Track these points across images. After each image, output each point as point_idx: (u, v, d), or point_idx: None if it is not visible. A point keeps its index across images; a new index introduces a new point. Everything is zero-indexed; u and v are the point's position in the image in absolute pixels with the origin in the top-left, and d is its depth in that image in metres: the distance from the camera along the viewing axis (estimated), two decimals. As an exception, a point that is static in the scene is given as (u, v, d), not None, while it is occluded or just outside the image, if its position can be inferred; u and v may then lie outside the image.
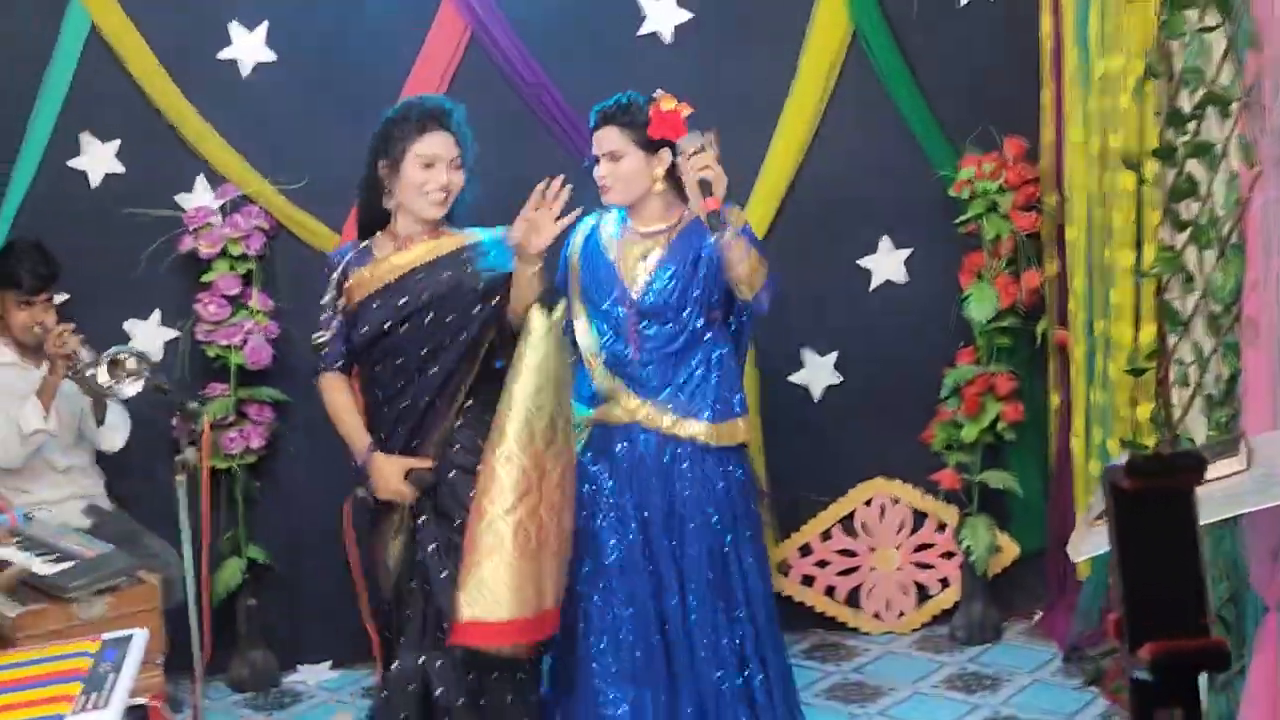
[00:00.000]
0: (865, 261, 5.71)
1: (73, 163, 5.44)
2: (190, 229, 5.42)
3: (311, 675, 5.70)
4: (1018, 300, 5.46)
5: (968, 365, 5.57)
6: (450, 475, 4.19)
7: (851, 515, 5.78)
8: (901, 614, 5.84)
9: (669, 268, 4.39)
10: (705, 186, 4.15)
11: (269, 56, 5.49)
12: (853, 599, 5.83)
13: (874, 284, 5.72)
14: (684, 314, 4.39)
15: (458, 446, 4.20)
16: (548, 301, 4.10)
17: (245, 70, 5.49)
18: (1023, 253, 5.47)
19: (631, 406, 4.42)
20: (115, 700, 3.24)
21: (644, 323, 4.41)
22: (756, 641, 4.41)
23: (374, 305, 4.24)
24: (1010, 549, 5.75)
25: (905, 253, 5.71)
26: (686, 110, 4.31)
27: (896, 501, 5.79)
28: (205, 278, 5.44)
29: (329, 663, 5.75)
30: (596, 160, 4.43)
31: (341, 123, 5.43)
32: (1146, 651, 1.91)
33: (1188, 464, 1.95)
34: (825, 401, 5.71)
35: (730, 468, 4.43)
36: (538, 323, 4.05)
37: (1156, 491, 1.92)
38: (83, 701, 3.23)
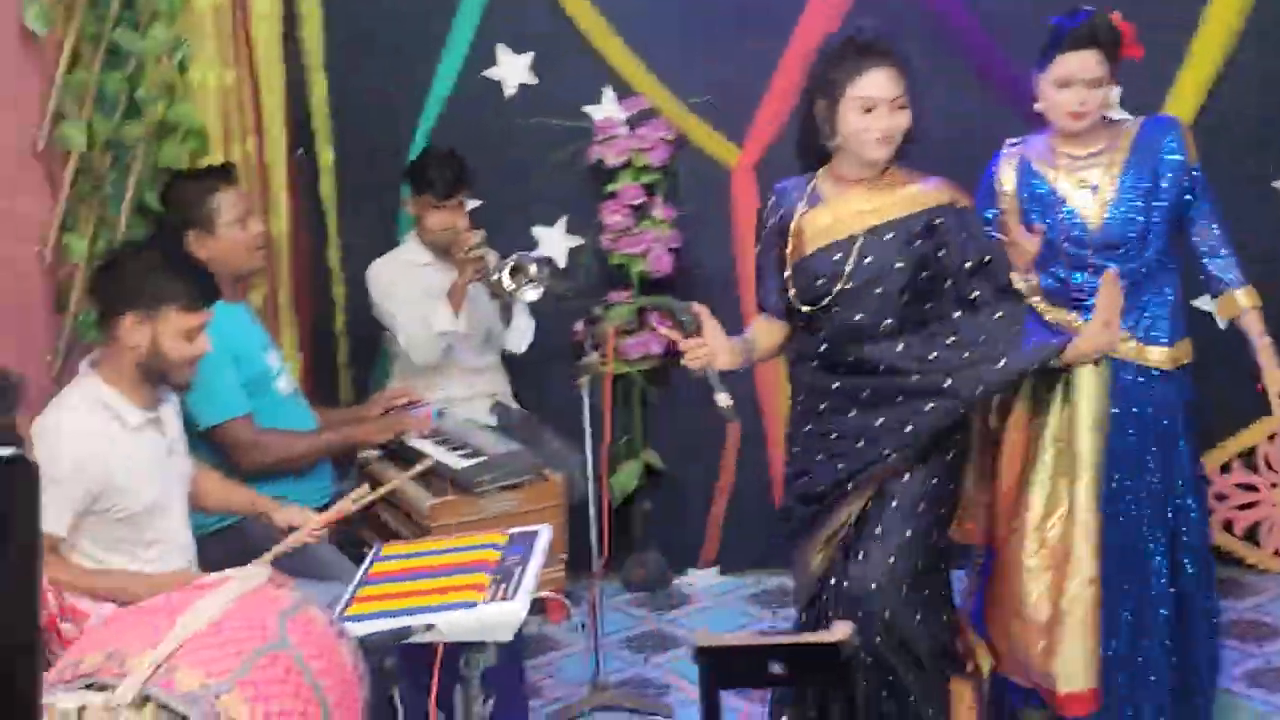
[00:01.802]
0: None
1: (488, 73, 5.63)
2: (597, 140, 5.55)
3: (701, 579, 5.83)
4: None
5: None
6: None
7: (1254, 449, 5.60)
8: (1304, 552, 5.64)
9: (1124, 196, 4.11)
10: None
11: (679, -31, 5.56)
12: (1251, 535, 5.65)
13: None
14: (1144, 242, 4.13)
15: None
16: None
17: (656, -17, 5.58)
18: None
19: None
20: (522, 592, 3.37)
21: (1102, 253, 4.10)
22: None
23: (816, 264, 3.84)
24: None
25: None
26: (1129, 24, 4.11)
27: (1303, 436, 5.57)
28: (610, 187, 5.58)
29: (718, 568, 5.87)
30: (1059, 84, 4.07)
31: (745, 36, 5.49)
32: None
33: None
34: (1231, 329, 5.51)
35: (1184, 389, 4.23)
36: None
37: None
38: (492, 591, 3.37)
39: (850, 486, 3.82)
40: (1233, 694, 4.62)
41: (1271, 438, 5.55)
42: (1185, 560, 4.21)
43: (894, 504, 3.80)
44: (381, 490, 4.24)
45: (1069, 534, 3.82)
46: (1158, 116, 4.23)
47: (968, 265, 3.77)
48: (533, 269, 4.86)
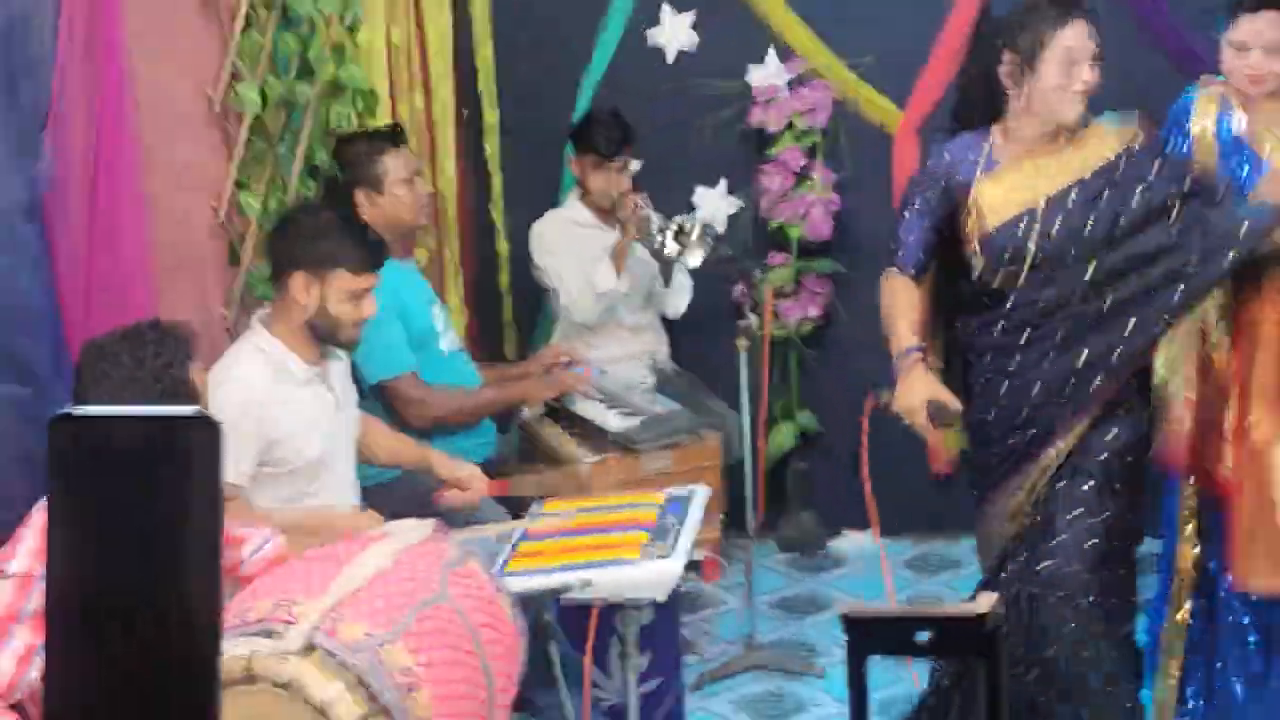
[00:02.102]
0: None
1: (651, 35, 5.67)
2: (759, 101, 5.56)
3: (854, 541, 5.84)
4: None
5: None
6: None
7: None
8: None
9: None
10: None
11: (843, -69, 5.55)
12: None
13: None
14: None
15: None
16: None
17: (817, -56, 5.57)
18: None
19: None
20: (679, 551, 3.42)
21: None
22: None
23: (1010, 234, 3.68)
24: None
25: None
26: None
27: None
28: (770, 150, 5.58)
29: (870, 530, 5.86)
30: (1237, 47, 3.90)
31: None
32: None
33: None
34: None
35: None
36: None
37: None
38: (650, 550, 3.42)
39: (1034, 433, 3.72)
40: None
41: None
42: None
43: (1090, 483, 3.69)
44: (549, 486, 4.27)
45: None
46: None
47: (1154, 209, 3.63)
48: (695, 231, 4.90)
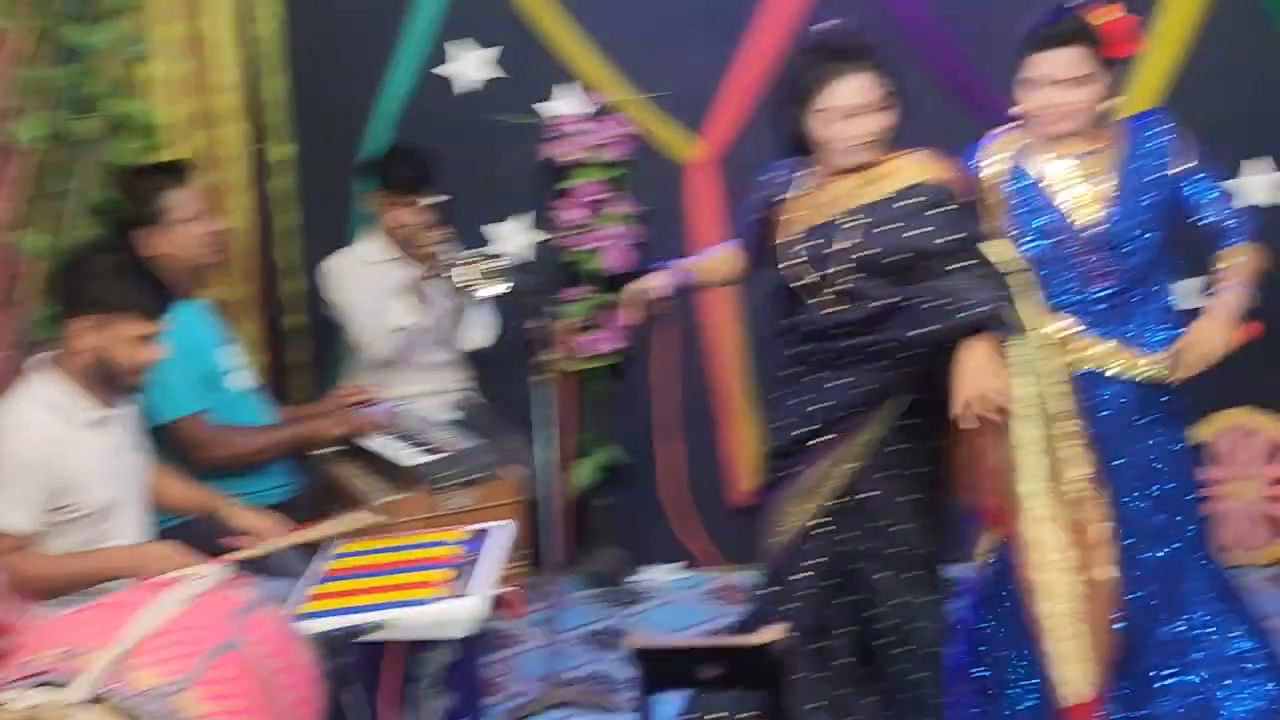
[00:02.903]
0: (1230, 185, 5.50)
1: (445, 69, 5.61)
2: (555, 135, 5.54)
3: (660, 575, 5.82)
4: (1402, 226, 5.20)
5: (1344, 292, 5.35)
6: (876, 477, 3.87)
7: (1207, 444, 5.62)
8: (1254, 547, 5.67)
9: (1121, 194, 3.97)
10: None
11: (638, -37, 5.56)
12: (1205, 529, 5.68)
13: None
14: (1144, 239, 3.98)
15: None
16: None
17: (614, -23, 5.58)
18: None
19: (1079, 345, 4.01)
20: (480, 588, 3.40)
21: (1095, 256, 3.99)
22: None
23: (799, 248, 3.87)
24: (1379, 486, 5.54)
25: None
26: (1131, 18, 3.96)
27: (1258, 432, 5.61)
28: (567, 183, 5.56)
29: (679, 563, 5.87)
30: (1034, 84, 3.95)
31: (705, 31, 5.50)
32: None
33: None
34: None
35: (1184, 400, 4.11)
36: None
37: None
38: (450, 588, 3.39)
39: (819, 442, 3.85)
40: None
41: (1224, 431, 5.57)
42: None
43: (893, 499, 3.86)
44: (350, 525, 4.20)
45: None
46: (1147, 111, 4.14)
47: (938, 243, 3.71)
48: (492, 264, 4.85)
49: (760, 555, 4.08)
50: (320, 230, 5.53)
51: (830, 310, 3.82)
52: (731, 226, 4.11)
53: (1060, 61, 3.89)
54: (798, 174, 3.93)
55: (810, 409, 3.87)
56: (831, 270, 3.79)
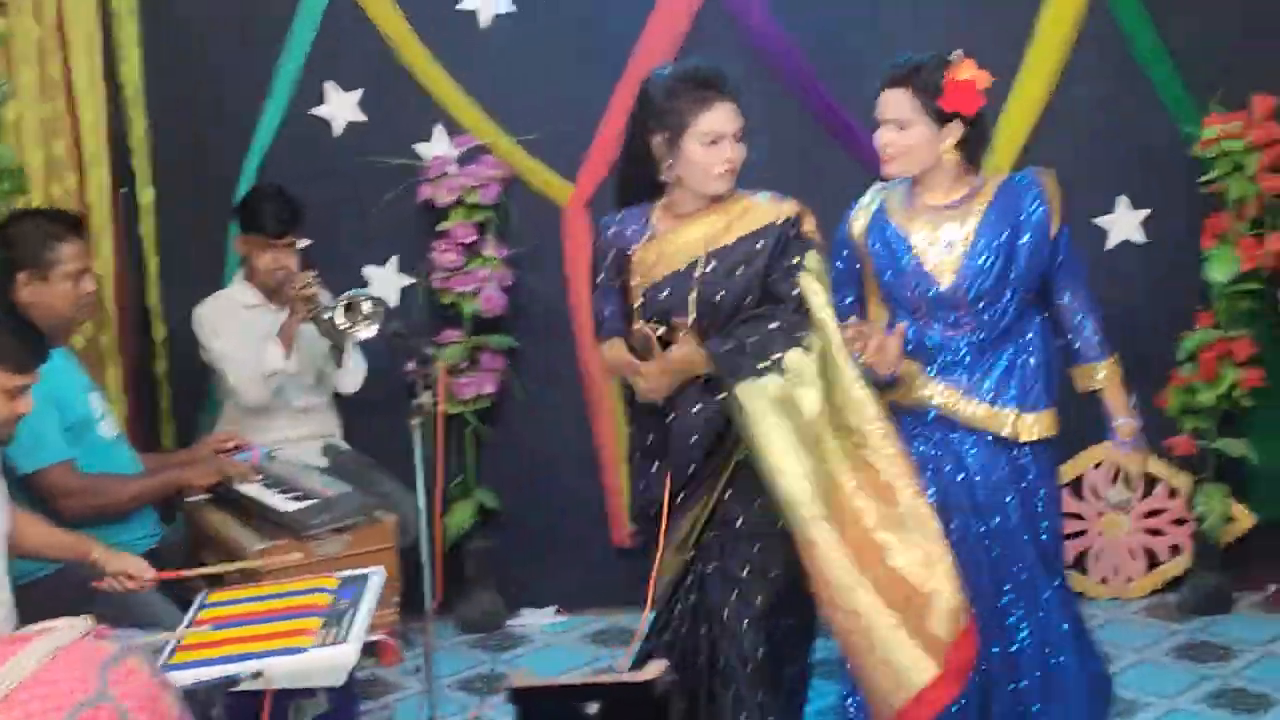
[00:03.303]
0: (1102, 220, 5.60)
1: (316, 111, 5.57)
2: (428, 178, 5.52)
3: (536, 619, 5.79)
4: (1260, 264, 5.29)
5: (1206, 329, 5.44)
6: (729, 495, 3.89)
7: (1080, 478, 5.70)
8: (1129, 580, 5.74)
9: (981, 250, 3.98)
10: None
11: (507, 7, 5.55)
12: (1079, 563, 5.75)
13: (1110, 244, 5.61)
14: (997, 301, 4.00)
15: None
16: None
17: (484, 21, 5.55)
18: (1269, 215, 5.30)
19: (936, 394, 4.07)
20: (353, 636, 3.35)
21: (949, 310, 4.03)
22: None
23: (662, 294, 3.88)
24: (1245, 518, 5.61)
25: (1144, 213, 5.58)
26: (985, 81, 3.97)
27: (1128, 466, 5.69)
28: (441, 226, 5.54)
29: (554, 607, 5.84)
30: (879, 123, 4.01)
31: (577, 74, 5.53)
32: None
33: None
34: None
35: (1033, 460, 4.08)
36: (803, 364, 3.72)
37: None
38: (323, 636, 3.34)
39: (683, 496, 3.86)
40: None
41: (1097, 466, 5.65)
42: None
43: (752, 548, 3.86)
44: (221, 569, 4.15)
45: None
46: (1024, 172, 4.15)
47: (786, 266, 3.80)
48: (366, 306, 4.80)
49: (640, 596, 4.06)
50: (188, 275, 5.47)
51: None
52: (597, 319, 4.03)
53: (888, 102, 3.98)
54: (646, 220, 3.95)
55: (677, 457, 3.88)
56: (692, 316, 3.82)
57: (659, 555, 3.91)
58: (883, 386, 3.93)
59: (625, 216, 3.99)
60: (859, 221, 4.19)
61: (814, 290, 3.77)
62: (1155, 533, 5.73)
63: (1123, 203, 5.59)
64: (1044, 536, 4.11)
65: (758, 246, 3.82)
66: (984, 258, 3.99)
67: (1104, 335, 4.13)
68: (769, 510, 3.75)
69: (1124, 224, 5.61)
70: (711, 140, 3.77)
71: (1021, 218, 4.00)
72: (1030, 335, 4.08)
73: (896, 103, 3.95)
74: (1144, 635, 5.39)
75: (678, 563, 3.92)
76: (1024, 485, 4.07)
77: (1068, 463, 5.64)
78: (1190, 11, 5.44)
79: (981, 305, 4.01)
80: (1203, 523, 5.51)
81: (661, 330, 3.85)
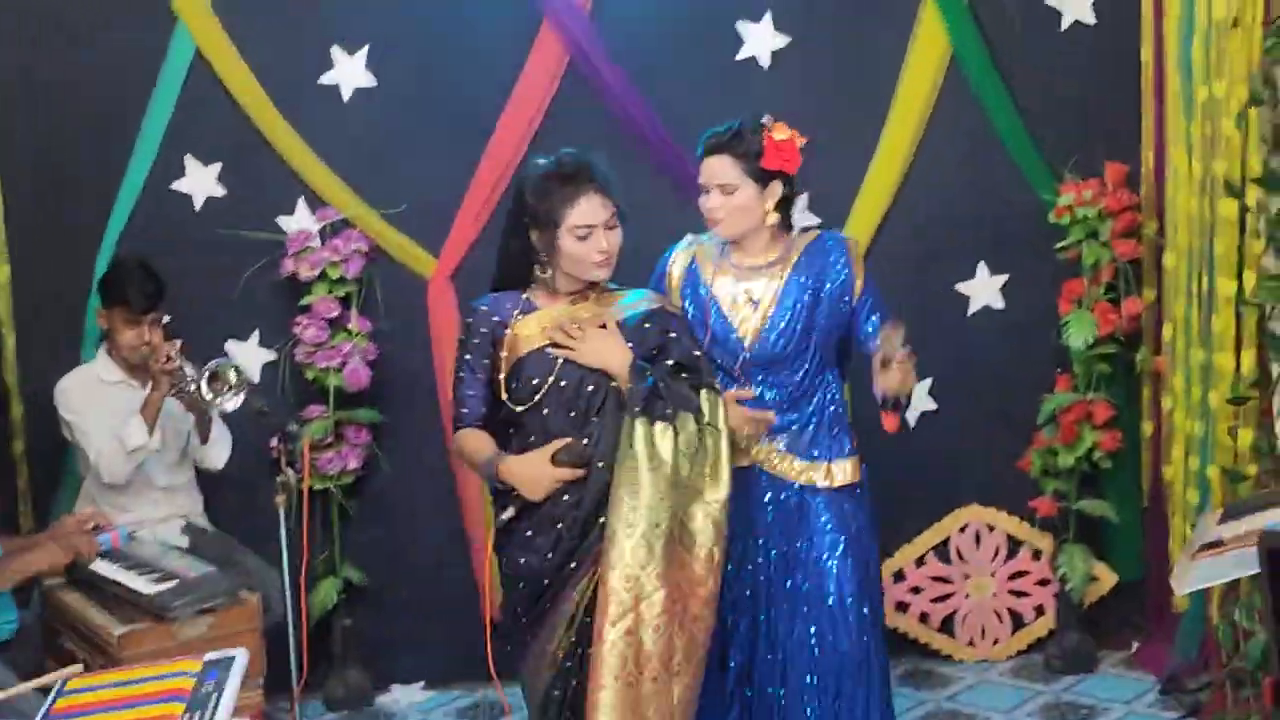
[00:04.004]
0: (963, 286, 5.69)
1: (176, 185, 5.51)
2: (290, 252, 5.48)
3: (405, 695, 5.73)
4: (1117, 328, 5.41)
5: (1065, 392, 5.53)
6: None
7: (946, 541, 5.75)
8: (996, 641, 5.80)
9: (784, 312, 4.16)
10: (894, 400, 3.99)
11: (369, 81, 5.54)
12: (947, 626, 5.80)
13: (972, 309, 5.70)
14: (801, 359, 4.19)
15: None
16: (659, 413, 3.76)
17: (346, 94, 5.54)
18: (1123, 279, 5.42)
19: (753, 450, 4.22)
20: (220, 718, 3.27)
21: (757, 369, 4.20)
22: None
23: (530, 368, 3.90)
24: (1107, 578, 5.70)
25: (1003, 278, 5.68)
26: (801, 140, 4.16)
27: (992, 528, 5.76)
28: (304, 300, 5.49)
29: (422, 683, 5.78)
30: (701, 189, 4.19)
31: (440, 147, 5.52)
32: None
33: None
34: (921, 428, 5.67)
35: (847, 507, 4.24)
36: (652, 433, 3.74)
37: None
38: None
39: (574, 566, 3.81)
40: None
41: (963, 529, 5.71)
42: None
43: None
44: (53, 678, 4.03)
45: None
46: (830, 234, 4.31)
47: (670, 364, 3.84)
48: (231, 376, 4.73)
49: (511, 670, 4.04)
50: (46, 352, 5.37)
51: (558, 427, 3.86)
52: (458, 408, 3.98)
53: (713, 168, 4.15)
54: (522, 297, 3.98)
55: (558, 539, 3.84)
56: (562, 384, 3.84)
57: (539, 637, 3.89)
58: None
59: (500, 295, 4.00)
60: (675, 269, 4.33)
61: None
62: (1020, 594, 5.80)
63: (983, 269, 5.68)
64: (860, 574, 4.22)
65: (637, 330, 3.90)
66: (788, 318, 4.16)
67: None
68: None
69: (984, 290, 5.70)
70: (583, 234, 3.82)
71: (825, 278, 4.18)
72: (832, 387, 4.26)
73: (722, 168, 4.14)
74: (1012, 696, 5.44)
75: (555, 630, 3.86)
76: (839, 529, 4.21)
77: (932, 528, 5.72)
78: (1044, 81, 5.56)
79: (786, 363, 4.18)
80: (1066, 583, 5.58)
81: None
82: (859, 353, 4.29)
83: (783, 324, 4.16)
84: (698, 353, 3.92)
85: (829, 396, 4.25)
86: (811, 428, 4.22)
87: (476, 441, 3.93)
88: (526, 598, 3.90)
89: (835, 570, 4.19)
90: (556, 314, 3.91)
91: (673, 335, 3.92)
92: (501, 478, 3.79)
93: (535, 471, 3.76)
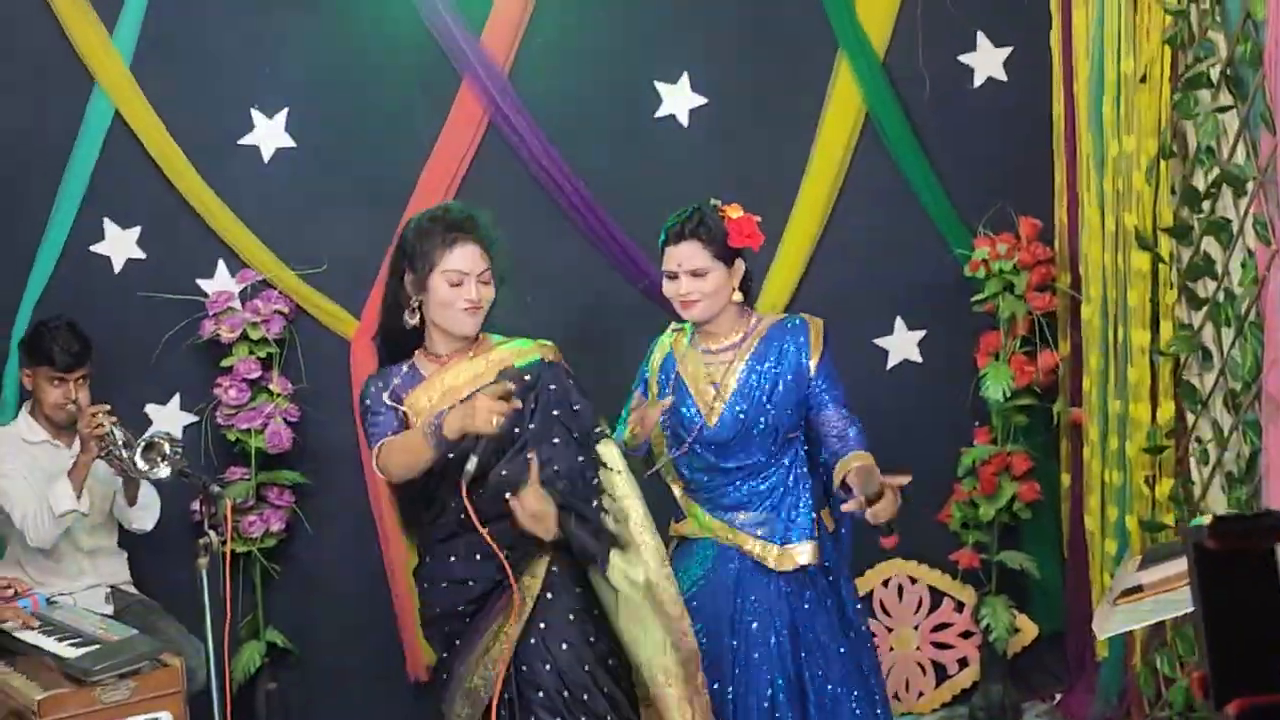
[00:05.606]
0: (881, 341, 5.75)
1: (96, 247, 5.49)
2: (211, 313, 5.45)
3: (329, 759, 5.69)
4: (1034, 380, 5.48)
5: (984, 445, 5.60)
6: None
7: (870, 595, 5.78)
8: (920, 694, 5.83)
9: (744, 396, 4.19)
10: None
11: (289, 142, 5.55)
12: (871, 679, 5.82)
13: (890, 363, 5.77)
14: (760, 440, 4.21)
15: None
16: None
17: (266, 156, 5.54)
18: (1038, 332, 5.50)
19: (708, 524, 4.28)
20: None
21: (717, 449, 4.23)
22: None
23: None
24: (1029, 629, 5.75)
25: (920, 333, 5.76)
26: (757, 217, 4.23)
27: (914, 581, 5.80)
28: (225, 362, 5.47)
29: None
30: (668, 276, 4.20)
31: (360, 208, 5.54)
32: (1234, 708, 1.94)
33: (1270, 523, 1.98)
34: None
35: (797, 589, 4.22)
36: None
37: (1239, 550, 1.96)
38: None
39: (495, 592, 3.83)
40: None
41: (885, 583, 5.75)
42: None
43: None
44: None
45: None
46: (792, 317, 4.34)
47: (555, 414, 3.88)
48: (166, 446, 4.68)
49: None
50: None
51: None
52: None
53: (683, 255, 4.17)
54: (409, 368, 4.00)
55: (469, 579, 3.88)
56: (462, 445, 3.77)
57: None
58: (638, 458, 4.18)
59: (388, 372, 4.02)
60: (656, 358, 4.39)
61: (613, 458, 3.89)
62: (943, 646, 5.84)
63: (900, 324, 5.75)
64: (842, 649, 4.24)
65: (526, 378, 3.90)
66: (750, 400, 4.19)
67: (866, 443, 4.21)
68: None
69: (902, 344, 5.77)
70: (455, 280, 3.87)
71: (786, 360, 4.21)
72: (791, 468, 4.27)
73: (692, 253, 4.16)
74: (937, 748, 5.48)
75: (481, 667, 3.86)
76: (801, 608, 4.21)
77: (858, 579, 5.74)
78: (958, 138, 5.66)
79: (747, 443, 4.20)
80: (989, 635, 5.62)
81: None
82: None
83: (736, 408, 4.19)
84: (577, 406, 3.92)
85: (788, 476, 4.26)
86: (770, 509, 4.23)
87: (400, 436, 3.89)
88: (447, 635, 3.93)
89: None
90: (445, 383, 3.92)
91: (553, 388, 3.92)
92: (447, 429, 3.72)
93: (473, 404, 3.66)
